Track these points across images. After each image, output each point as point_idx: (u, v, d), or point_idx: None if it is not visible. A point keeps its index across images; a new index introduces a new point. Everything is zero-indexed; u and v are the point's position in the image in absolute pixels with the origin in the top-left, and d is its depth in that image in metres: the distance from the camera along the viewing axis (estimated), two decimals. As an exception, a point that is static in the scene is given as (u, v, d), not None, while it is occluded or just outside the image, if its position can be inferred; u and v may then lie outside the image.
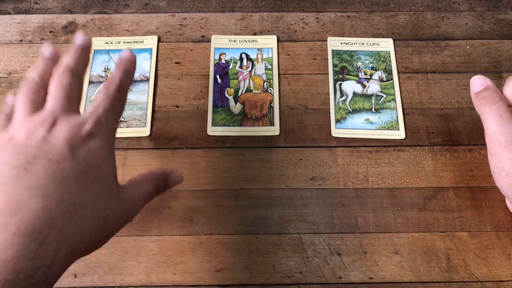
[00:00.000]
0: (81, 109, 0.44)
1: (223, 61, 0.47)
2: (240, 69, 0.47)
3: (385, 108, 0.44)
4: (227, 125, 0.43)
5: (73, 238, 0.25)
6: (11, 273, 0.22)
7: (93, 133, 0.28)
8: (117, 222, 0.29)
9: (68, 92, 0.30)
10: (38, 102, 0.30)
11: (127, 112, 0.44)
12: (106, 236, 0.29)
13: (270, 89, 0.45)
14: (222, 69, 0.46)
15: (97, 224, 0.27)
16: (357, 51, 0.48)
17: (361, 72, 0.46)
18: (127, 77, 0.33)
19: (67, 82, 0.30)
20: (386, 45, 0.48)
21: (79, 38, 0.33)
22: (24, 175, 0.25)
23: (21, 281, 0.22)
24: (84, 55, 0.32)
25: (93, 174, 0.27)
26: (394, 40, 0.48)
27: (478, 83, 0.35)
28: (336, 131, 0.43)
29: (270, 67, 0.47)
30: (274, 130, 0.43)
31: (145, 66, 0.47)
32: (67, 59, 0.31)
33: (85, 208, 0.26)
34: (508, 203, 0.38)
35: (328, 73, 0.46)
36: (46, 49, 0.33)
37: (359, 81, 0.46)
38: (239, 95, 0.45)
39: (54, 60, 0.33)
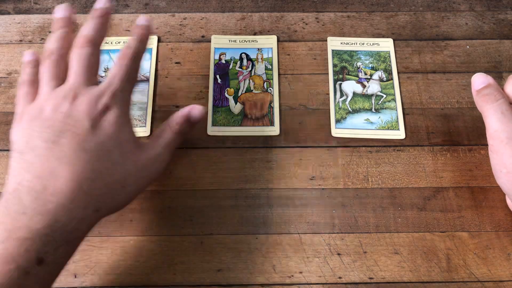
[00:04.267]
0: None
1: (223, 61, 0.47)
2: (240, 69, 0.47)
3: (385, 108, 0.44)
4: (227, 125, 0.43)
5: (97, 199, 0.30)
6: (51, 220, 0.28)
7: (109, 105, 0.32)
8: (138, 183, 0.33)
9: (88, 65, 0.33)
10: (60, 75, 0.33)
11: (127, 112, 0.44)
12: (127, 197, 0.33)
13: (270, 89, 0.45)
14: (222, 69, 0.46)
15: (116, 186, 0.31)
16: (357, 51, 0.48)
17: (361, 72, 0.46)
18: (142, 44, 0.35)
19: (86, 55, 0.33)
20: (386, 45, 0.48)
21: (99, 3, 0.36)
22: (53, 147, 0.30)
23: (59, 227, 0.28)
24: (104, 23, 0.35)
25: (110, 142, 0.31)
26: (394, 40, 0.48)
27: (479, 80, 0.35)
28: (336, 131, 0.43)
29: (270, 67, 0.47)
30: (274, 130, 0.43)
31: (145, 66, 0.46)
32: (87, 28, 0.34)
33: (104, 173, 0.31)
34: (508, 201, 0.38)
35: (328, 73, 0.46)
36: (59, 12, 0.36)
37: (359, 81, 0.46)
38: (239, 95, 0.45)
39: (70, 26, 0.36)
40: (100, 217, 0.32)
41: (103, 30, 0.35)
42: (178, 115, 0.37)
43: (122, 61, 0.34)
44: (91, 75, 0.33)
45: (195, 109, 0.37)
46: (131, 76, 0.34)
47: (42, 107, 0.31)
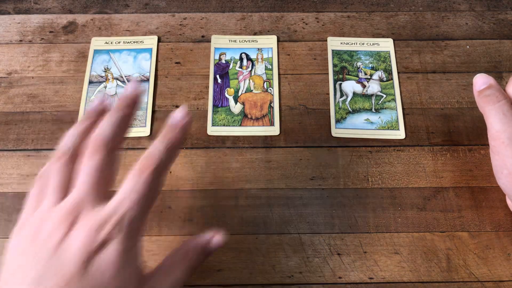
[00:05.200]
0: (81, 109, 0.44)
1: (223, 61, 0.47)
2: (240, 69, 0.47)
3: (385, 108, 0.44)
4: (227, 125, 0.43)
5: None
6: None
7: (111, 237, 0.25)
8: None
9: (97, 176, 0.26)
10: (67, 184, 0.27)
11: (127, 112, 0.44)
12: None
13: (270, 89, 0.45)
14: (222, 69, 0.46)
15: None
16: (357, 51, 0.48)
17: (361, 72, 0.46)
18: (171, 153, 0.27)
19: (98, 163, 0.26)
20: (386, 45, 0.48)
21: (128, 89, 0.29)
22: None
23: None
24: (127, 118, 0.28)
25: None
26: (394, 40, 0.48)
27: (481, 81, 0.35)
28: (336, 131, 0.43)
29: (270, 67, 0.47)
30: (274, 130, 0.43)
31: (145, 66, 0.47)
32: (105, 125, 0.27)
33: None
34: (508, 202, 0.38)
35: (328, 73, 0.46)
36: (95, 103, 0.30)
37: (359, 81, 0.46)
38: (239, 95, 0.45)
39: (98, 117, 0.29)
40: None
41: (124, 128, 0.28)
42: (193, 248, 0.29)
43: (139, 175, 0.26)
44: (101, 188, 0.27)
45: (217, 240, 0.30)
46: (149, 197, 0.26)
47: (38, 228, 0.26)
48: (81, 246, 0.24)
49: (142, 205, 0.26)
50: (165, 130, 0.28)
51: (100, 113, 0.30)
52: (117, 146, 0.28)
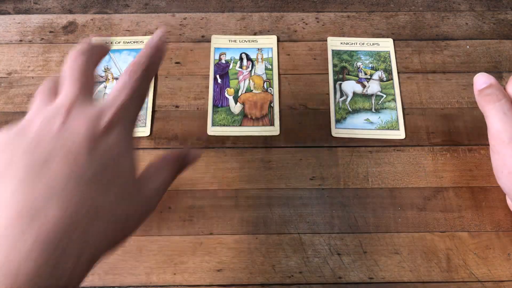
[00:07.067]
0: (81, 109, 0.44)
1: (223, 61, 0.47)
2: (240, 69, 0.47)
3: (385, 108, 0.44)
4: (227, 125, 0.43)
5: (95, 243, 0.23)
6: (31, 279, 0.20)
7: (112, 125, 0.25)
8: (138, 220, 0.27)
9: (82, 77, 0.27)
10: (56, 91, 0.27)
11: (127, 112, 0.44)
12: (127, 235, 0.27)
13: (270, 89, 0.45)
14: (222, 69, 0.46)
15: (118, 225, 0.25)
16: (357, 51, 0.48)
17: (361, 72, 0.46)
18: (156, 58, 0.30)
19: (80, 64, 0.28)
20: (386, 45, 0.48)
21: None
22: (41, 173, 0.22)
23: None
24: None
25: (111, 171, 0.25)
26: (394, 40, 0.48)
27: (481, 80, 0.34)
28: (336, 131, 0.43)
29: (270, 67, 0.47)
30: (274, 130, 0.43)
31: (145, 66, 0.46)
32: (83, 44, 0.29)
33: (105, 210, 0.24)
34: (508, 201, 0.38)
35: (328, 73, 0.46)
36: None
37: (359, 81, 0.46)
38: (239, 95, 0.45)
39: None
40: (94, 264, 0.25)
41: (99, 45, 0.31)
42: (175, 156, 0.31)
43: (132, 73, 0.27)
44: (87, 89, 0.27)
45: (194, 154, 0.32)
46: (140, 93, 0.28)
47: (25, 125, 0.25)
48: (84, 130, 0.24)
49: (135, 98, 0.27)
50: (148, 42, 0.30)
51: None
52: (95, 54, 0.30)
